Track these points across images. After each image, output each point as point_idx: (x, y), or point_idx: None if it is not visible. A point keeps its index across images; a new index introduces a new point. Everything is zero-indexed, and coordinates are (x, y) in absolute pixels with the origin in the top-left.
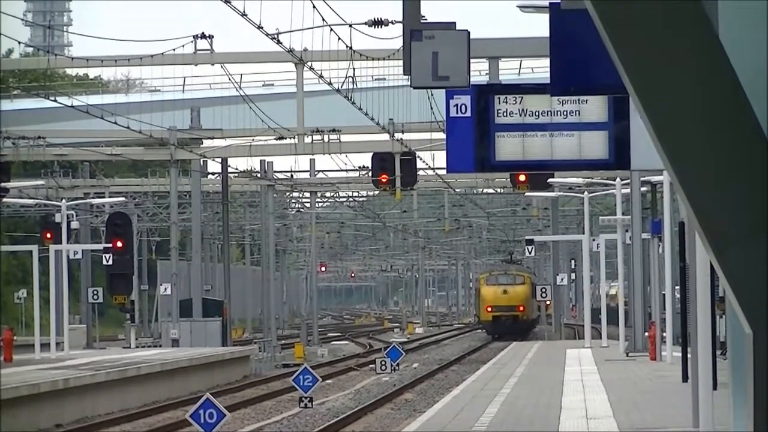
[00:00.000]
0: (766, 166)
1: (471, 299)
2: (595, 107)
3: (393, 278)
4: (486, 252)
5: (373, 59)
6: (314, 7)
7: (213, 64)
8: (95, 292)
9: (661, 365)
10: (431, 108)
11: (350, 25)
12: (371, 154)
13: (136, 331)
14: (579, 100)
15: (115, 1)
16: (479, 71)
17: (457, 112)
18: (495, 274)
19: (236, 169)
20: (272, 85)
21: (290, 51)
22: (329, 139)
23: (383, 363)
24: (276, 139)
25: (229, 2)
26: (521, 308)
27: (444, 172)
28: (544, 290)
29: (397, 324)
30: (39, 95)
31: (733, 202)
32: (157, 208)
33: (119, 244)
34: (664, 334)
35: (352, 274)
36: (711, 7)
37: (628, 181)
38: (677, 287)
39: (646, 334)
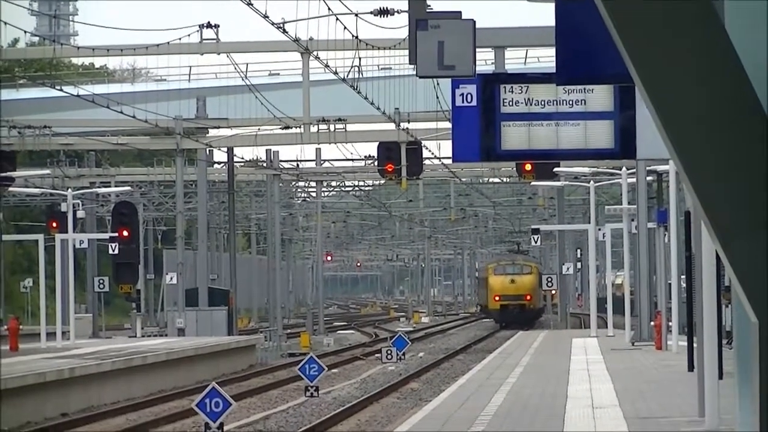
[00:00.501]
0: None
1: (477, 288)
2: (600, 97)
3: (399, 268)
4: (492, 241)
5: (378, 48)
6: None
7: (219, 54)
8: (101, 282)
9: (667, 355)
10: (437, 97)
11: (356, 15)
12: (377, 143)
13: (142, 321)
14: (585, 89)
15: None
16: (485, 61)
17: (462, 102)
18: (503, 264)
19: (242, 158)
20: (278, 74)
21: (296, 40)
22: (335, 129)
23: (389, 352)
24: (282, 129)
25: None
26: (528, 297)
27: (450, 161)
28: (549, 279)
29: (403, 313)
30: (45, 84)
31: (739, 191)
32: (162, 197)
33: (125, 233)
34: (670, 324)
35: (358, 264)
36: (719, 5)
37: (634, 170)
38: (683, 277)
39: (652, 323)
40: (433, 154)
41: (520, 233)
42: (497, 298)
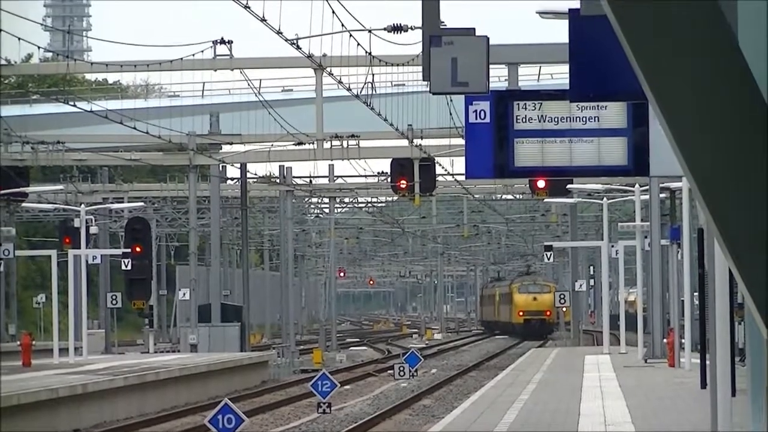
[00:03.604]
0: None
1: (480, 306)
2: (614, 113)
3: (411, 284)
4: (505, 258)
5: (392, 65)
6: (333, 12)
7: (232, 70)
8: (114, 297)
9: (680, 372)
10: (450, 114)
11: (369, 31)
12: (390, 159)
13: (155, 336)
14: (598, 106)
15: (135, 5)
16: (498, 77)
17: (476, 118)
18: (526, 283)
19: (255, 174)
20: (291, 90)
21: (309, 56)
22: (348, 145)
23: (402, 369)
24: (295, 145)
25: (249, 7)
26: (548, 313)
27: (463, 177)
28: (562, 296)
29: (416, 330)
30: (58, 100)
31: (752, 208)
32: (175, 213)
33: (138, 249)
34: (683, 341)
35: (371, 280)
36: (731, 12)
37: (647, 187)
38: (696, 293)
39: (665, 340)
40: (446, 170)
41: (528, 256)
42: (521, 314)
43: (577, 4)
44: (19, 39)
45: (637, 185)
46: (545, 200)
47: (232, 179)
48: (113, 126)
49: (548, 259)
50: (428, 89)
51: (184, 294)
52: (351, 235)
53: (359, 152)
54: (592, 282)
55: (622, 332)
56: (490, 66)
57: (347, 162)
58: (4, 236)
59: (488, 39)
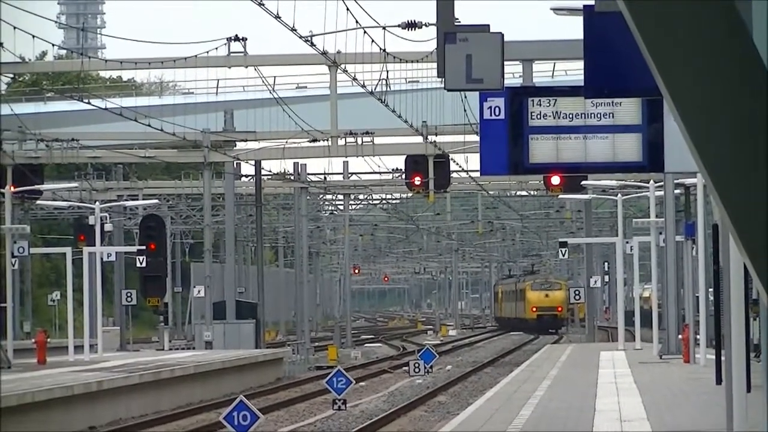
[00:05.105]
0: None
1: (493, 302)
2: (628, 110)
3: (426, 281)
4: (519, 254)
5: (406, 61)
6: (348, 9)
7: (246, 67)
8: (129, 295)
9: (695, 368)
10: (465, 110)
11: (384, 28)
12: (404, 156)
13: (170, 333)
14: (613, 102)
15: (148, 3)
16: (513, 74)
17: (490, 115)
18: (538, 281)
19: (270, 171)
20: (306, 87)
21: (324, 53)
22: (362, 142)
23: (416, 365)
24: (309, 142)
25: (263, 4)
26: (559, 309)
27: (477, 174)
28: (577, 292)
29: (431, 326)
30: (73, 97)
31: (767, 204)
32: (190, 210)
33: (153, 246)
34: (698, 337)
35: (386, 277)
36: (745, 10)
37: (662, 183)
38: (711, 290)
39: (680, 336)
40: (460, 167)
41: (534, 255)
42: (534, 309)
43: (591, 1)
44: (34, 36)
45: (651, 181)
46: (560, 196)
47: (246, 176)
48: (128, 123)
49: (563, 256)
50: (443, 86)
51: (199, 291)
52: (365, 232)
53: (373, 149)
54: (606, 278)
55: (637, 328)
56: (505, 62)
57: (362, 159)
58: (18, 234)
59: (503, 35)
